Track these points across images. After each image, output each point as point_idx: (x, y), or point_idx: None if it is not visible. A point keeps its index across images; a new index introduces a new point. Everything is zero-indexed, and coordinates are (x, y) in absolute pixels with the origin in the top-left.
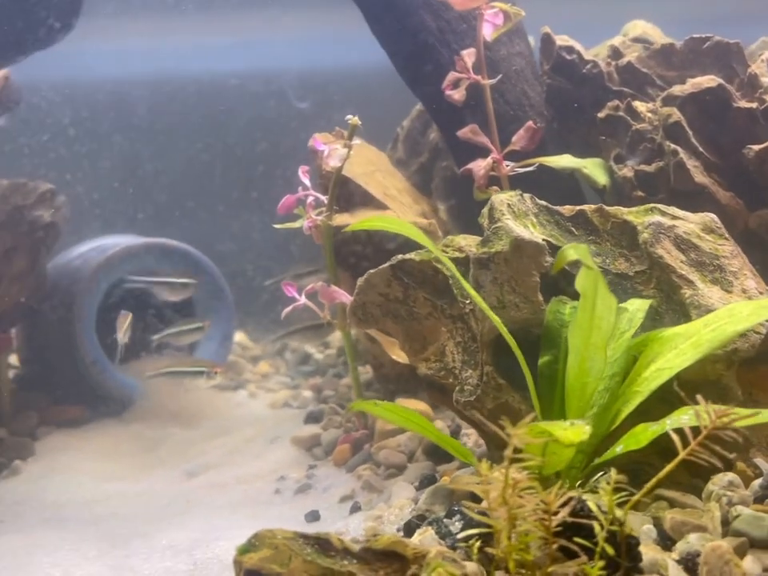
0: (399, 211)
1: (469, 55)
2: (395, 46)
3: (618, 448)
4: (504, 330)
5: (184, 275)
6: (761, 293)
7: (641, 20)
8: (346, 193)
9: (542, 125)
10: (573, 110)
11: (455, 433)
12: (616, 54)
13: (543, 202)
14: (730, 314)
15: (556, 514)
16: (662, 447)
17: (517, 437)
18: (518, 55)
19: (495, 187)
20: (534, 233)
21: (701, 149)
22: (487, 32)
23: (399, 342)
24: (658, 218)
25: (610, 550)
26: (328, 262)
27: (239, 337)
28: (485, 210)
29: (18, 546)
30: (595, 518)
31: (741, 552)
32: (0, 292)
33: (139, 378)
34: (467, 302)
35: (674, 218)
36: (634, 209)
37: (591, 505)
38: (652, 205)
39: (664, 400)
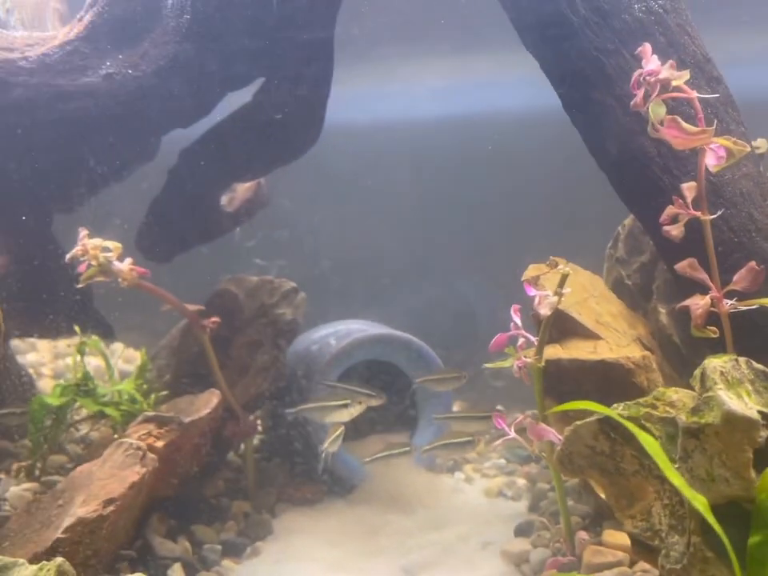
0: (612, 339)
1: (689, 189)
2: (615, 171)
3: None
4: (706, 511)
5: (344, 397)
6: None
7: None
8: (558, 324)
9: None
10: None
11: None
12: None
13: (760, 366)
14: None
15: None
16: None
17: None
18: (745, 177)
19: (713, 328)
20: (748, 403)
21: None
22: (710, 163)
23: (605, 494)
24: None
25: None
26: (537, 400)
27: (459, 406)
28: (697, 373)
29: None
30: None
31: None
32: (247, 382)
33: (363, 462)
34: (676, 465)
35: None
36: None
37: None
38: None
39: None
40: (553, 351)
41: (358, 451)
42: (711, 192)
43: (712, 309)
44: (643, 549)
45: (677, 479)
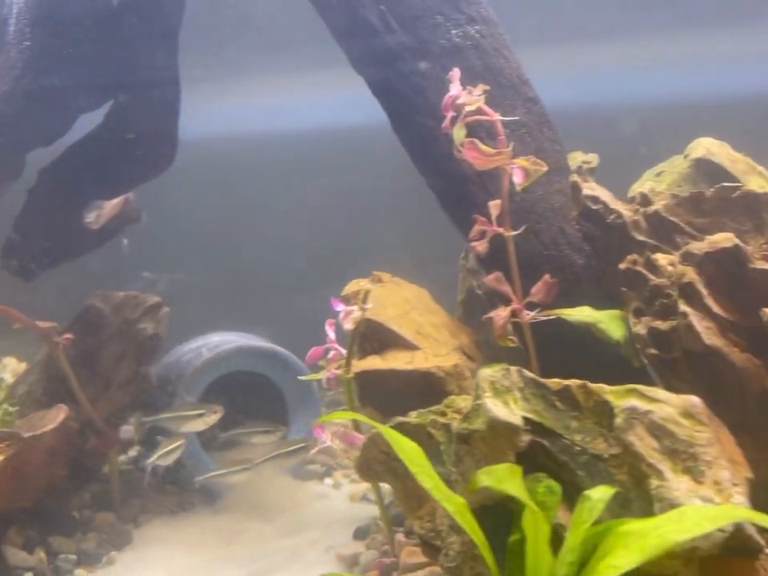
0: (431, 349)
1: (494, 207)
2: (437, 187)
3: None
4: (466, 522)
5: (199, 407)
6: (735, 484)
7: (707, 138)
8: (377, 336)
9: (581, 261)
10: (603, 254)
11: None
12: (645, 201)
13: (530, 375)
14: (679, 518)
15: None
16: None
17: None
18: (558, 193)
19: (512, 337)
20: (513, 411)
21: (715, 309)
22: (518, 181)
23: (398, 497)
24: (634, 401)
25: None
26: (348, 407)
27: None
28: (474, 382)
29: None
30: None
31: None
32: (109, 396)
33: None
34: (453, 469)
35: (653, 401)
36: (616, 388)
37: None
38: (633, 386)
39: None
40: (371, 362)
41: (225, 461)
42: (523, 208)
43: (516, 319)
44: (430, 549)
45: (428, 482)
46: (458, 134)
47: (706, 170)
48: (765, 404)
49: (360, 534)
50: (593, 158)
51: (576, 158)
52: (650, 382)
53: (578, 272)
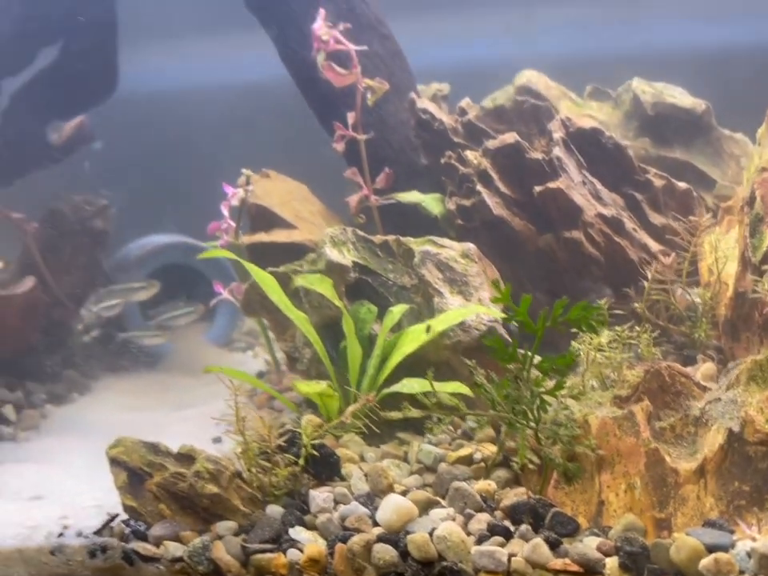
0: (307, 229)
1: (351, 117)
2: (316, 107)
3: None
4: (306, 328)
5: (141, 282)
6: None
7: (529, 70)
8: (264, 218)
9: (425, 163)
10: (432, 154)
11: None
12: (462, 112)
13: (361, 233)
14: (444, 319)
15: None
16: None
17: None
18: (405, 110)
19: (362, 215)
20: (346, 256)
21: (502, 189)
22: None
23: (271, 327)
24: (427, 247)
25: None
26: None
27: None
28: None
29: (47, 443)
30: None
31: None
32: (71, 279)
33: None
34: (305, 300)
35: (441, 246)
36: (418, 239)
37: (304, 436)
38: (429, 237)
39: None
40: (258, 237)
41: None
42: (378, 121)
43: (369, 204)
44: (292, 361)
45: (275, 296)
46: (320, 58)
47: (526, 94)
48: (540, 259)
49: (260, 375)
50: (444, 87)
51: (432, 88)
52: None
53: (420, 171)
